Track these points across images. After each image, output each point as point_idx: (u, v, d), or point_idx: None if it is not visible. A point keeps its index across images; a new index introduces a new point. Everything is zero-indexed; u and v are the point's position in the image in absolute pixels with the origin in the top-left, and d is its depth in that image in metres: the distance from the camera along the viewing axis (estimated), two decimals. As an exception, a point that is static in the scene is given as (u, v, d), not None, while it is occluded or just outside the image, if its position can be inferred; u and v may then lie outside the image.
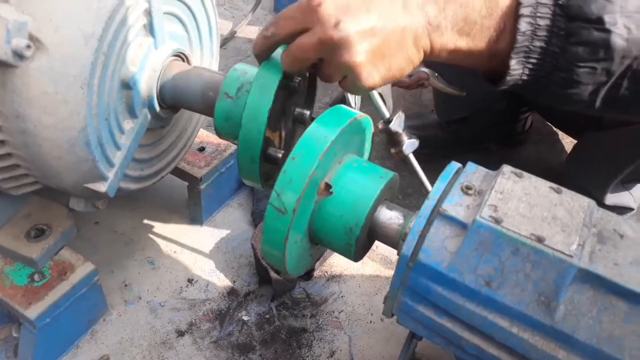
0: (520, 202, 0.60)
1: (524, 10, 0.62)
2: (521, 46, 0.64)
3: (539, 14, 0.62)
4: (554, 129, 1.60)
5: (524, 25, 0.63)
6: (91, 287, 0.97)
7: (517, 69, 0.65)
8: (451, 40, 0.66)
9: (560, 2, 0.61)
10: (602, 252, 0.57)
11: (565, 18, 0.62)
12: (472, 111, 1.41)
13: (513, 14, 0.63)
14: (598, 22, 0.61)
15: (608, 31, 0.61)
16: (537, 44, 0.63)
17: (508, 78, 0.66)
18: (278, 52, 0.73)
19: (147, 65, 0.84)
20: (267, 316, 1.07)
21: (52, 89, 0.72)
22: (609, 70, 0.63)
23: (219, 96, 0.82)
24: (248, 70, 0.82)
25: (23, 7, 0.70)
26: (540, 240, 0.56)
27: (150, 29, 0.83)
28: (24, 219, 0.97)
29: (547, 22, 0.62)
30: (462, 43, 0.66)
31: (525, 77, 0.66)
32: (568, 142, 1.58)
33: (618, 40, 0.61)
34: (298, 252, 0.71)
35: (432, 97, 1.67)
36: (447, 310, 0.61)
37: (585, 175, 1.25)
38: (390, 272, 1.15)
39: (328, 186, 0.69)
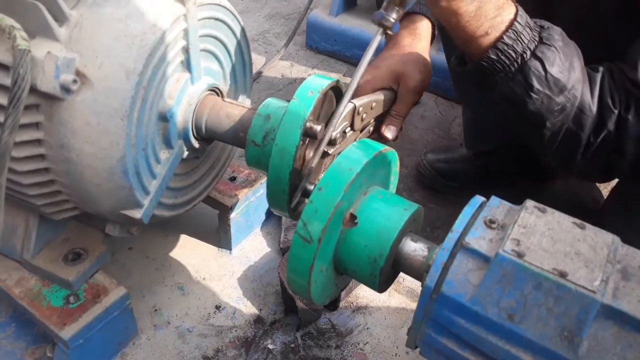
0: (543, 236, 0.61)
1: (500, 44, 0.79)
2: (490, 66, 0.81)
3: (507, 52, 0.80)
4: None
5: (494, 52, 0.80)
6: (123, 310, 1.00)
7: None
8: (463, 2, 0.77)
9: (525, 60, 0.79)
10: (627, 288, 0.56)
11: (522, 76, 0.80)
12: (502, 144, 1.42)
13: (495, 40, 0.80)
14: (529, 88, 0.81)
15: (530, 96, 0.81)
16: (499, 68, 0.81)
17: (470, 67, 0.85)
18: (296, 103, 0.77)
19: (184, 99, 0.89)
20: (292, 345, 1.08)
21: (94, 120, 0.77)
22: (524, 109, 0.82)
23: (247, 143, 0.86)
24: (272, 114, 0.85)
25: (72, 45, 0.75)
26: (562, 275, 0.56)
27: (187, 65, 0.88)
28: (63, 243, 1.01)
29: (506, 61, 0.80)
30: (472, 8, 0.77)
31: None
32: (599, 178, 1.55)
33: (531, 107, 0.82)
34: (323, 281, 0.73)
35: (460, 130, 1.68)
36: (470, 343, 0.61)
37: (624, 221, 1.22)
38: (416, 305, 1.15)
39: (353, 217, 0.70)
